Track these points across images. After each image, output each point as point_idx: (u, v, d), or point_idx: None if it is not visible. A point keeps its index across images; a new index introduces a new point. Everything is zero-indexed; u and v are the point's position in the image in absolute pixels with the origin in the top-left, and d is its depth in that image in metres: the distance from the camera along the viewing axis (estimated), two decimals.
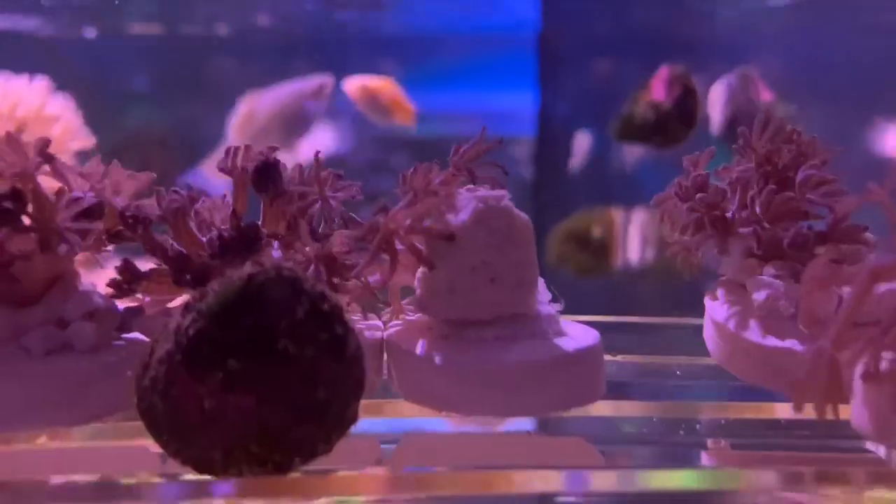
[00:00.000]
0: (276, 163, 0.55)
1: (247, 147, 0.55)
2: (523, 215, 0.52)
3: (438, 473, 0.48)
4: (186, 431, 0.45)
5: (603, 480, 0.47)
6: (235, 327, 0.43)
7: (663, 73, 1.80)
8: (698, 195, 0.60)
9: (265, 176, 0.53)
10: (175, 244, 0.54)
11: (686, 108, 1.76)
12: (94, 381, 0.50)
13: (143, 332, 0.54)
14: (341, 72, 1.86)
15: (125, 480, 0.48)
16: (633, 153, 1.80)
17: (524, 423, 0.55)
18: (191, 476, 0.47)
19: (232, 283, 0.44)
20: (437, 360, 0.51)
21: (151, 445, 0.55)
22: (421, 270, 0.52)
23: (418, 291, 0.53)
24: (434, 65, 1.98)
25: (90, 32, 1.80)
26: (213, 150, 1.71)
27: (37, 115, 1.09)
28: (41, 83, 1.13)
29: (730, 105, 1.67)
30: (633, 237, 1.89)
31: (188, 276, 0.53)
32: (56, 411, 0.49)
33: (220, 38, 1.91)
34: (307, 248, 0.55)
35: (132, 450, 0.56)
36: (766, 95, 1.72)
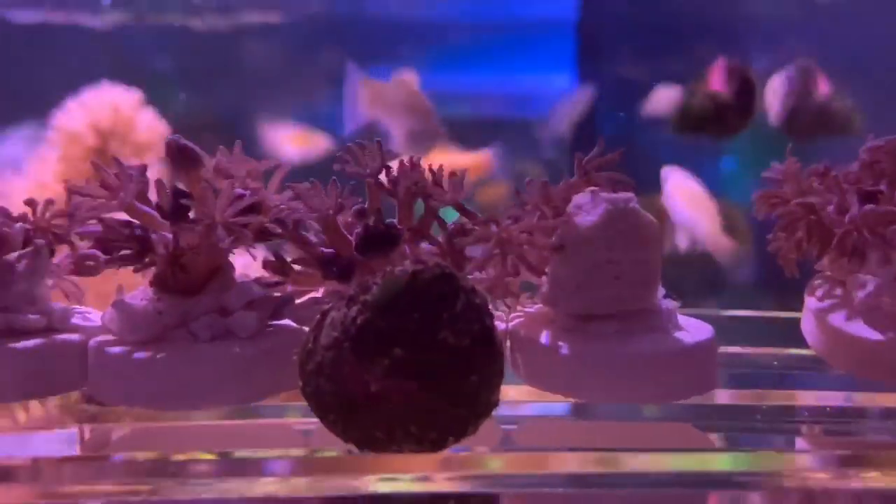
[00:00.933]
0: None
1: (372, 148, 0.59)
2: (650, 216, 0.56)
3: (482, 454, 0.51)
4: (352, 412, 0.49)
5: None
6: (401, 318, 0.48)
7: (721, 64, 1.81)
8: (798, 201, 0.63)
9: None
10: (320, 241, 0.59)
11: (744, 100, 1.77)
12: (254, 364, 0.55)
13: (293, 320, 0.59)
14: (376, 57, 1.89)
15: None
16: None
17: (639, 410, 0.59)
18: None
19: (397, 279, 0.49)
20: (564, 350, 0.55)
21: (294, 424, 0.61)
22: (550, 267, 0.57)
23: (546, 287, 0.57)
24: (473, 49, 2.00)
25: (125, 21, 1.84)
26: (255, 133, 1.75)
27: (126, 125, 1.15)
28: (132, 94, 1.19)
29: (789, 97, 1.69)
30: (672, 225, 1.90)
31: (335, 270, 0.58)
32: (220, 392, 0.55)
33: (257, 25, 1.93)
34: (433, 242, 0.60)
35: (278, 428, 0.61)
36: (824, 88, 1.73)
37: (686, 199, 1.64)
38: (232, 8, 1.86)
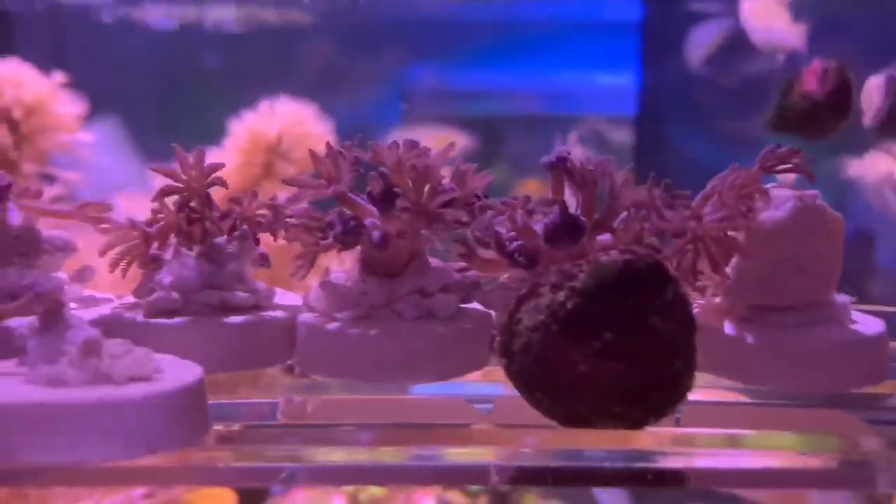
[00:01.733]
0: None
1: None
2: (835, 213, 0.58)
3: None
4: (559, 391, 0.53)
5: None
6: (613, 304, 0.51)
7: (817, 63, 1.81)
8: None
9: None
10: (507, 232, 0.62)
11: (840, 100, 1.76)
12: (454, 343, 0.59)
13: (481, 303, 0.63)
14: (438, 56, 1.92)
15: None
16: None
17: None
18: None
19: (609, 267, 0.52)
20: (749, 339, 0.58)
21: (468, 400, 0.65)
22: (735, 258, 0.59)
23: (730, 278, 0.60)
24: (538, 47, 2.01)
25: (173, 19, 1.89)
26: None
27: (300, 138, 1.22)
28: (306, 108, 1.25)
29: (890, 97, 1.68)
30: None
31: (522, 259, 0.61)
32: (422, 368, 0.59)
33: (310, 22, 1.96)
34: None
35: (456, 403, 0.65)
36: None
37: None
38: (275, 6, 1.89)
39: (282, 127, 1.22)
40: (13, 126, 1.26)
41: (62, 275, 0.67)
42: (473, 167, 0.62)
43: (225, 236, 0.63)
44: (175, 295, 0.60)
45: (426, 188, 0.58)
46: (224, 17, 1.88)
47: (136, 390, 0.46)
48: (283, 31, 1.93)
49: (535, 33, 1.99)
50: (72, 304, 0.65)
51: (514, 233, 0.62)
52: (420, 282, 0.60)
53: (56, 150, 1.28)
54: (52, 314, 0.50)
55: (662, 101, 2.08)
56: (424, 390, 0.64)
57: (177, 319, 0.59)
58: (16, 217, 0.64)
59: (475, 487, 1.71)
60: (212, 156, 1.26)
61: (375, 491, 1.67)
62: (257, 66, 1.92)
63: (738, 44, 1.90)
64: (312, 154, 0.58)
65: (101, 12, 1.84)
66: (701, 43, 1.94)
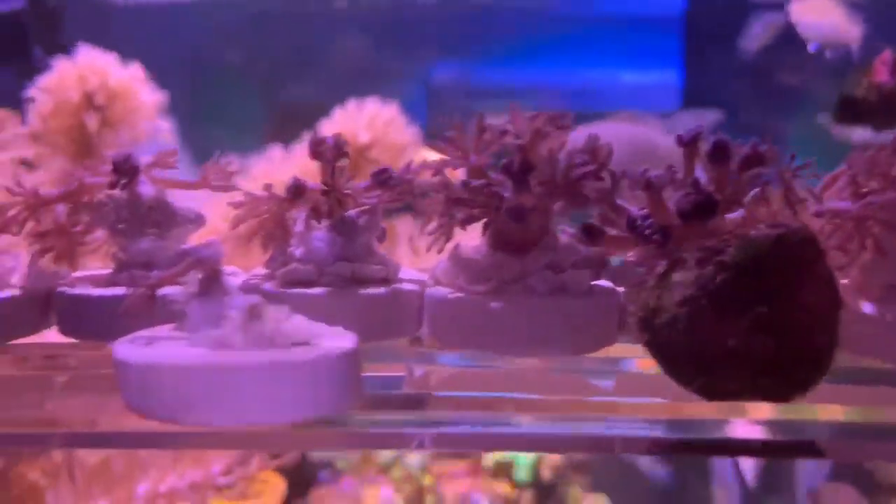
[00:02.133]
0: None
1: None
2: None
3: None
4: (706, 365, 0.53)
5: None
6: (765, 278, 0.51)
7: (887, 55, 1.78)
8: None
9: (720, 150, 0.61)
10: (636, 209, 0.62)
11: None
12: (587, 319, 0.59)
13: (611, 280, 0.63)
14: (476, 51, 1.91)
15: None
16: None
17: None
18: None
19: (760, 241, 0.52)
20: (888, 317, 0.58)
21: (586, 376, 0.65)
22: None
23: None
24: (576, 43, 2.00)
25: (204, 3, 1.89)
26: None
27: (390, 145, 1.23)
28: (391, 109, 1.27)
29: None
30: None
31: (654, 236, 0.61)
32: (553, 343, 0.59)
33: (341, 10, 1.95)
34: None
35: (578, 377, 0.65)
36: None
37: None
38: None
39: (373, 132, 1.24)
40: (98, 111, 1.29)
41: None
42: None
43: (355, 210, 0.64)
44: (310, 266, 0.61)
45: (561, 162, 0.58)
46: (255, 11, 1.90)
47: (306, 354, 0.47)
48: (322, 21, 1.93)
49: (573, 28, 1.97)
50: None
51: (644, 210, 0.62)
52: (551, 257, 0.60)
53: (137, 136, 1.31)
54: (212, 279, 0.51)
55: (706, 99, 2.06)
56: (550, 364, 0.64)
57: (316, 289, 0.60)
58: (149, 189, 0.65)
59: (523, 480, 1.72)
60: (297, 154, 1.29)
61: (425, 480, 1.70)
62: (291, 59, 1.93)
63: (788, 39, 1.88)
64: (457, 126, 0.59)
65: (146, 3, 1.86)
66: (755, 35, 1.91)
